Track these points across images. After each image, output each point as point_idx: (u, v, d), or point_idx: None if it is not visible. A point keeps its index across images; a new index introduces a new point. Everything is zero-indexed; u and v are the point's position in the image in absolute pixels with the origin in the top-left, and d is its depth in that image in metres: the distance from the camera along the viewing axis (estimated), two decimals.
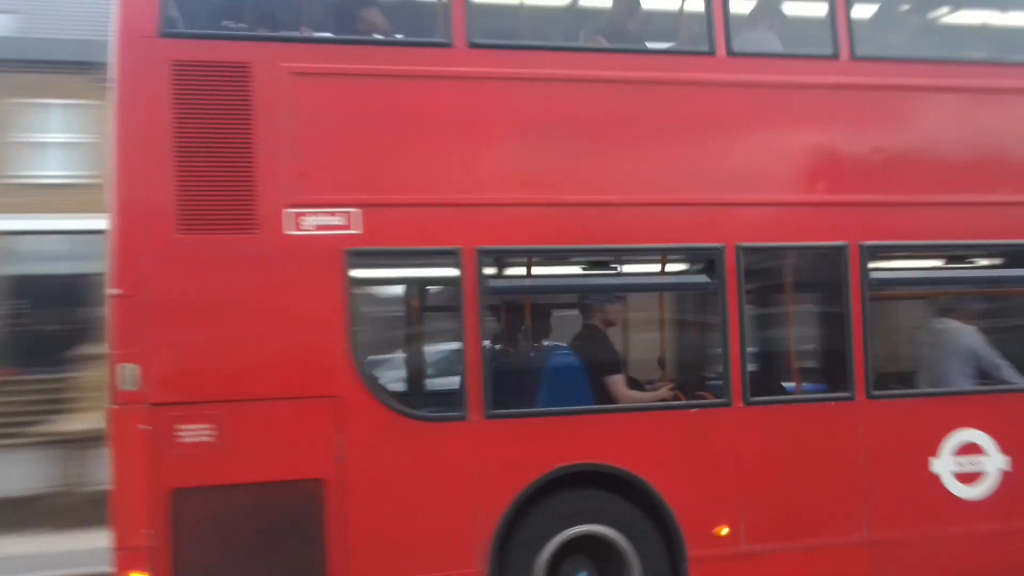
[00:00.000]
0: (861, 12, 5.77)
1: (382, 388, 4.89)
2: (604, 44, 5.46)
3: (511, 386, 5.11)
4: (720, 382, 5.28)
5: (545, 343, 5.65)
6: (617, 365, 5.37)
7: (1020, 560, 5.51)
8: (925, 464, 5.45)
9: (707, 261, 5.30)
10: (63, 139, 18.13)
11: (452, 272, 4.95)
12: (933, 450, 5.47)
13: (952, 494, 5.47)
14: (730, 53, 5.32)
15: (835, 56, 5.49)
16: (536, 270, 5.37)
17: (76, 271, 15.64)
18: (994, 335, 5.83)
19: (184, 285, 4.66)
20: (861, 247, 5.40)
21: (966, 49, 6.12)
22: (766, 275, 5.72)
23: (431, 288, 5.54)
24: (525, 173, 5.12)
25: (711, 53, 5.33)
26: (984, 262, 6.05)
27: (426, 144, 5.01)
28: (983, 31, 6.38)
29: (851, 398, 5.39)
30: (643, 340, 5.97)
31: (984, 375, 5.74)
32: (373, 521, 4.74)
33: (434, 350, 5.45)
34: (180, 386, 4.62)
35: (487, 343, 4.98)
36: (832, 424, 5.40)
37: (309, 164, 4.83)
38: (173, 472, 4.54)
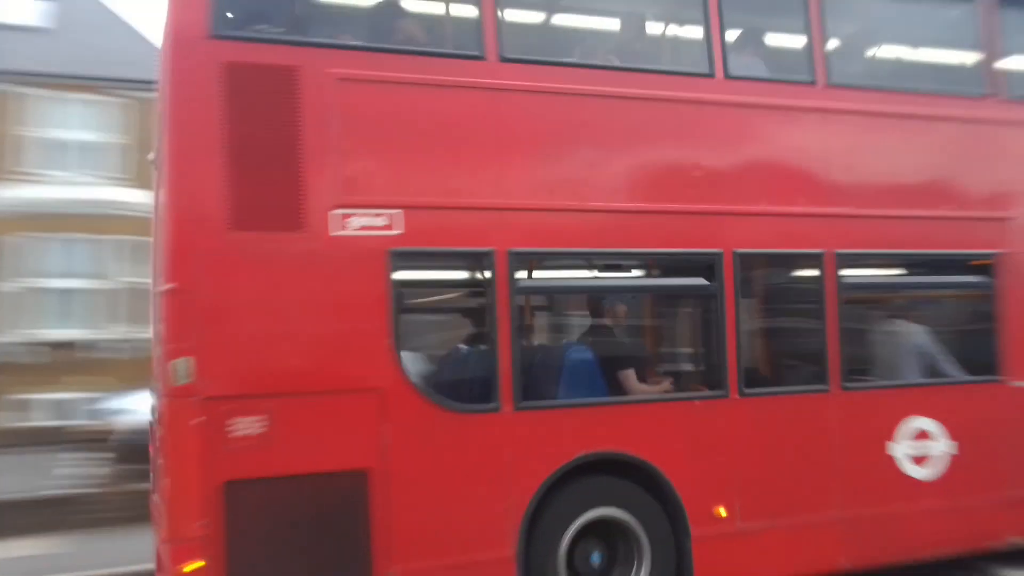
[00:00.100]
0: (836, 43, 6.39)
1: (422, 381, 5.12)
2: (615, 63, 5.87)
3: (536, 380, 5.44)
4: (718, 375, 5.78)
5: (564, 340, 6.01)
6: (628, 360, 5.78)
7: (964, 533, 6.27)
8: (884, 448, 6.13)
9: (707, 265, 5.79)
10: None
11: (486, 272, 5.25)
12: (890, 435, 6.15)
13: (906, 475, 6.17)
14: (727, 76, 5.86)
15: (813, 83, 6.11)
16: (559, 272, 5.73)
17: None
18: (940, 334, 6.61)
19: (235, 281, 4.77)
20: (837, 255, 6.03)
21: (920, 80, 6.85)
22: (758, 278, 6.24)
23: (465, 287, 5.79)
24: (550, 180, 5.47)
25: (711, 75, 5.85)
26: (931, 270, 6.78)
27: (461, 150, 5.30)
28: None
29: (826, 390, 6.01)
30: (649, 337, 6.43)
31: (933, 369, 6.49)
32: (414, 508, 4.98)
33: (469, 345, 5.69)
34: (233, 379, 4.73)
35: (516, 338, 5.29)
36: (811, 413, 5.99)
37: (354, 166, 5.03)
38: (226, 464, 4.65)
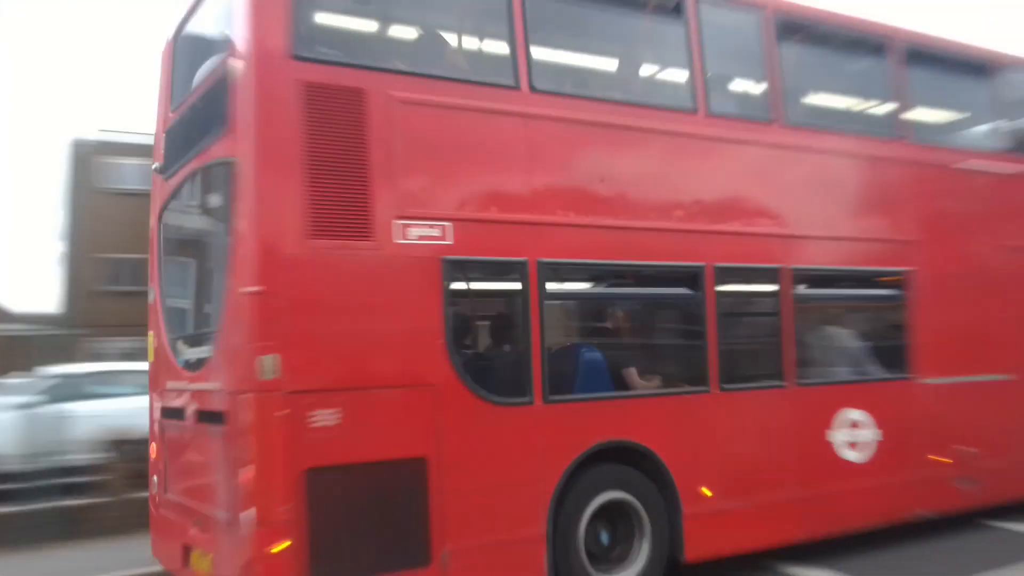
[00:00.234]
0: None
1: (471, 377, 5.66)
2: (618, 96, 6.64)
3: (556, 376, 6.07)
4: (701, 372, 6.63)
5: (576, 341, 6.69)
6: (631, 359, 6.54)
7: (887, 507, 7.42)
8: (824, 435, 7.18)
9: (692, 276, 6.63)
10: None
11: (520, 279, 5.88)
12: (828, 425, 7.21)
13: (843, 459, 7.24)
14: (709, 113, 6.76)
15: (771, 121, 7.13)
16: (578, 281, 6.43)
17: None
18: (865, 337, 7.79)
19: (314, 284, 5.18)
20: (794, 270, 7.04)
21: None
22: (732, 289, 7.14)
23: (504, 293, 6.35)
24: (574, 199, 6.16)
25: (694, 111, 6.73)
26: (856, 283, 7.94)
27: (501, 169, 5.92)
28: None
29: (783, 385, 6.99)
30: (647, 338, 7.22)
31: (860, 368, 7.63)
32: (463, 491, 5.50)
33: (508, 344, 6.25)
34: (313, 374, 5.11)
35: (545, 338, 5.93)
36: (773, 406, 6.96)
37: (412, 181, 5.53)
38: (307, 453, 5.04)
